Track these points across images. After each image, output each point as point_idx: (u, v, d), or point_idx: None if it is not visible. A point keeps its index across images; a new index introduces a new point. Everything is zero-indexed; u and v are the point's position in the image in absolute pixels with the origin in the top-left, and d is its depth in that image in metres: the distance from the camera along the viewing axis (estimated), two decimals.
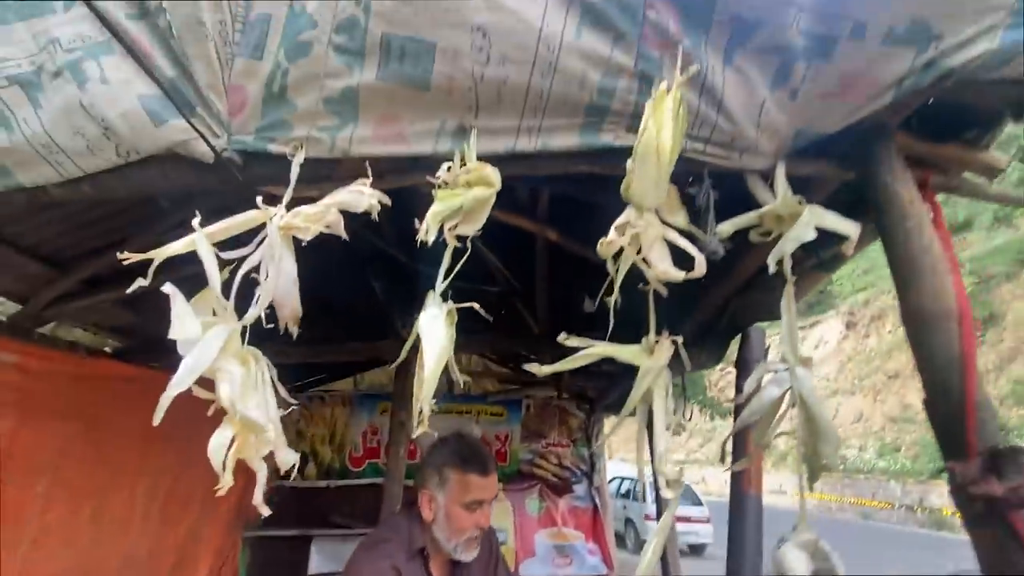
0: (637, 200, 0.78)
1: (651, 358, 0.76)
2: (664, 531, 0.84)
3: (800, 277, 1.58)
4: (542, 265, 2.05)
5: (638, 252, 0.81)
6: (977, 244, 15.94)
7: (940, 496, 13.30)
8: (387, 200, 0.85)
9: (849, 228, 0.83)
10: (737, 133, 0.88)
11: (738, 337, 1.90)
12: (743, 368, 1.80)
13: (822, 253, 1.31)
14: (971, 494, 0.69)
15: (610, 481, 11.60)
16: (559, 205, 1.72)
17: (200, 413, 0.73)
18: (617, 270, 0.79)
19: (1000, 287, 15.16)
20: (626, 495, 10.10)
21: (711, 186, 0.88)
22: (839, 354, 21.70)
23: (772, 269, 0.84)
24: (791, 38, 0.81)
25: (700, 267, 0.74)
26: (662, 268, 0.73)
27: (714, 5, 0.81)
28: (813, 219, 0.83)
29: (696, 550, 8.98)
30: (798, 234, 0.83)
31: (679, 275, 0.73)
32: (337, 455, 3.75)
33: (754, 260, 1.40)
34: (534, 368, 0.86)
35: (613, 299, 0.80)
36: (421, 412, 0.75)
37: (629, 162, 0.78)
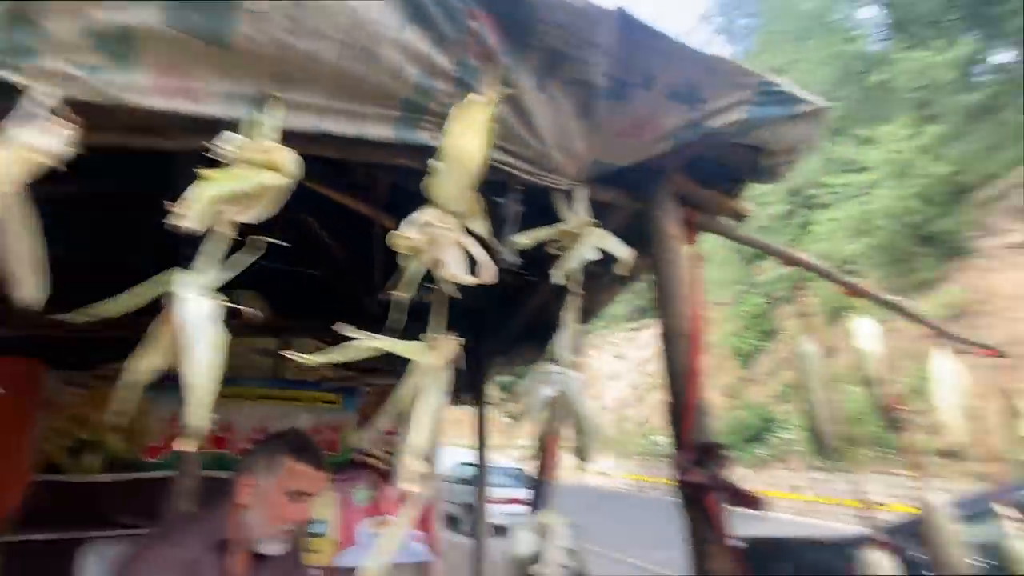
0: (441, 201, 0.80)
1: (430, 355, 0.79)
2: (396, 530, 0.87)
3: (600, 288, 1.79)
4: (379, 250, 2.00)
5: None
6: (768, 271, 19.62)
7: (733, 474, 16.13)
8: (73, 150, 0.71)
9: (624, 253, 0.95)
10: (545, 153, 0.95)
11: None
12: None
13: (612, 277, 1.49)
14: (682, 481, 0.84)
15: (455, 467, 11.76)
16: (399, 192, 1.69)
17: None
18: (407, 267, 0.80)
19: (781, 307, 18.80)
20: (467, 481, 10.38)
21: (518, 200, 0.94)
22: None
23: (559, 281, 0.93)
24: (595, 76, 0.90)
25: (489, 274, 0.79)
26: (453, 271, 0.76)
27: (533, 31, 0.87)
28: (596, 241, 0.94)
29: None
30: (581, 252, 0.93)
31: (470, 280, 0.77)
32: (129, 445, 3.23)
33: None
34: (293, 356, 0.83)
35: (409, 294, 0.81)
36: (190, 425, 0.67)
37: (435, 163, 0.79)
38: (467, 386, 2.91)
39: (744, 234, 1.20)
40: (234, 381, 3.51)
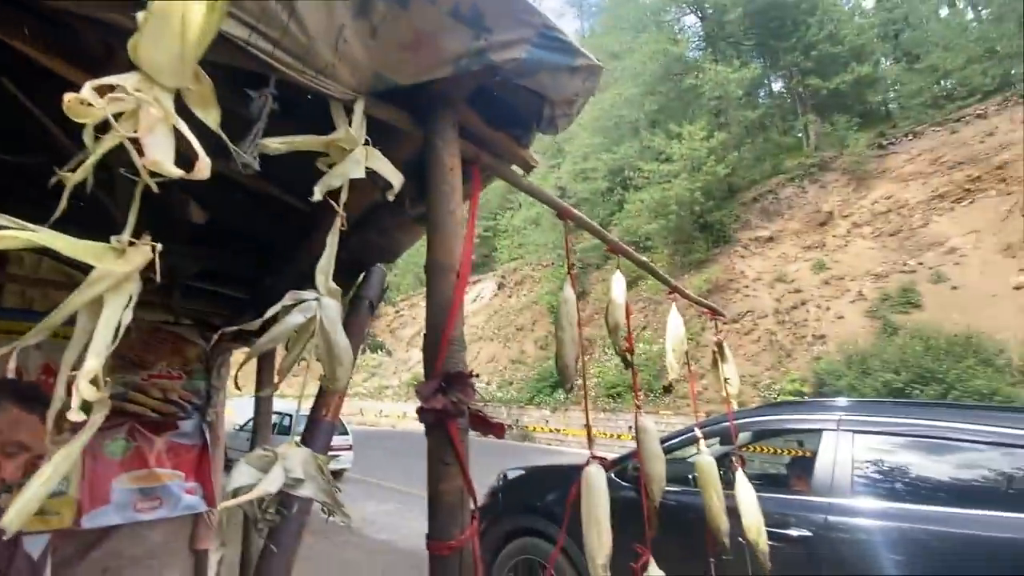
0: (147, 67, 0.63)
1: (117, 261, 0.65)
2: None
3: (401, 228, 1.74)
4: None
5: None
6: (585, 239, 21.87)
7: (529, 417, 18.05)
8: None
9: (394, 178, 0.90)
10: (312, 49, 0.83)
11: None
12: (356, 305, 1.86)
13: (411, 210, 1.45)
14: (423, 407, 0.86)
15: (251, 419, 10.96)
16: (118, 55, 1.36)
17: None
18: (90, 145, 0.63)
19: (592, 272, 21.22)
20: (273, 429, 9.78)
21: (271, 96, 0.81)
22: (489, 308, 26.36)
23: (317, 197, 0.84)
24: None
25: (202, 170, 0.66)
26: (156, 157, 0.62)
27: None
28: (365, 159, 0.87)
29: (336, 475, 9.51)
30: (346, 170, 0.85)
31: (175, 171, 0.64)
32: None
33: (359, 201, 1.44)
34: None
35: (85, 177, 0.64)
36: None
37: (141, 15, 0.62)
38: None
39: (527, 185, 1.25)
40: None
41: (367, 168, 0.89)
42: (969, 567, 2.00)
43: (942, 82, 18.99)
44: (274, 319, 0.87)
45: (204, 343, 3.40)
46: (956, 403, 8.89)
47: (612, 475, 3.03)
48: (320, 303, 0.85)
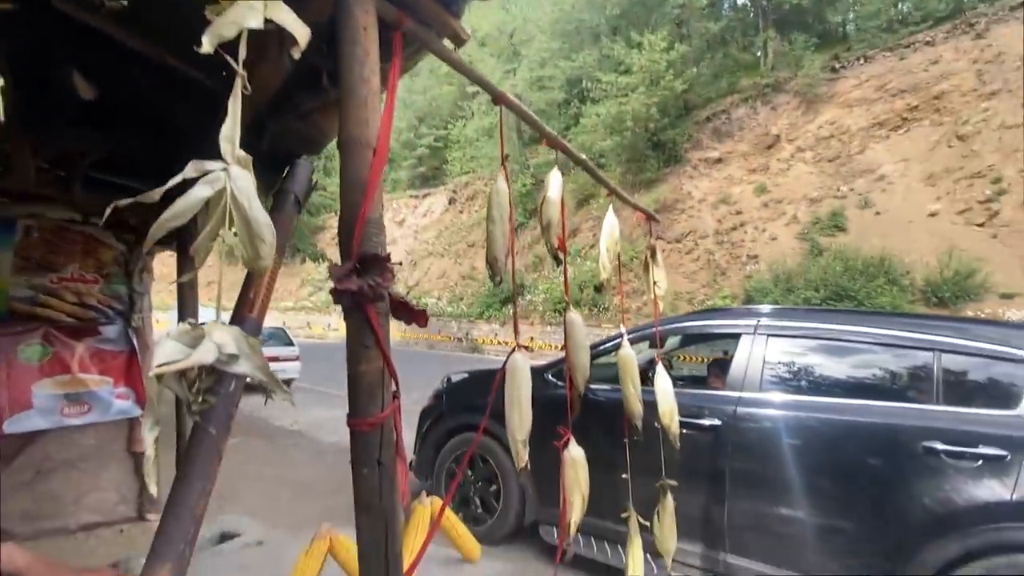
0: None
1: None
2: None
3: (324, 113, 1.60)
4: None
5: None
6: (541, 155, 21.35)
7: (478, 331, 18.56)
8: None
9: (300, 32, 0.80)
10: None
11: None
12: (280, 199, 1.74)
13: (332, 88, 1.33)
14: (336, 289, 0.83)
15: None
16: None
17: None
18: None
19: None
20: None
21: None
22: (440, 224, 25.87)
23: (205, 48, 0.73)
24: None
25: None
26: None
27: None
28: (264, 9, 0.75)
29: (285, 383, 9.63)
30: (239, 17, 0.74)
31: None
32: None
33: (271, 77, 1.30)
34: None
35: None
36: None
37: None
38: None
39: (457, 60, 1.15)
40: None
41: (267, 20, 0.77)
42: (851, 448, 2.32)
43: (899, 5, 18.91)
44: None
45: (123, 246, 3.15)
46: (855, 310, 9.91)
47: (549, 375, 3.20)
48: (229, 173, 0.78)
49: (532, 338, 16.92)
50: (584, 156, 1.53)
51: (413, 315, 0.96)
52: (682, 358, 9.11)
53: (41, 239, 2.90)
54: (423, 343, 19.70)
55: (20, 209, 2.78)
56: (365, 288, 0.84)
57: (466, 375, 3.90)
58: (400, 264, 0.96)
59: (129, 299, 3.18)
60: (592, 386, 2.90)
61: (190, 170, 0.80)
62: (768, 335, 2.76)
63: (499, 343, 17.40)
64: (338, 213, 0.91)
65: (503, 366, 1.17)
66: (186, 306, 2.14)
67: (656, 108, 17.83)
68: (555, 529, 3.02)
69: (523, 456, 1.11)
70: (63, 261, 2.96)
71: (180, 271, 2.12)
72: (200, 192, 0.79)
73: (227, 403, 1.28)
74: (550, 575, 2.78)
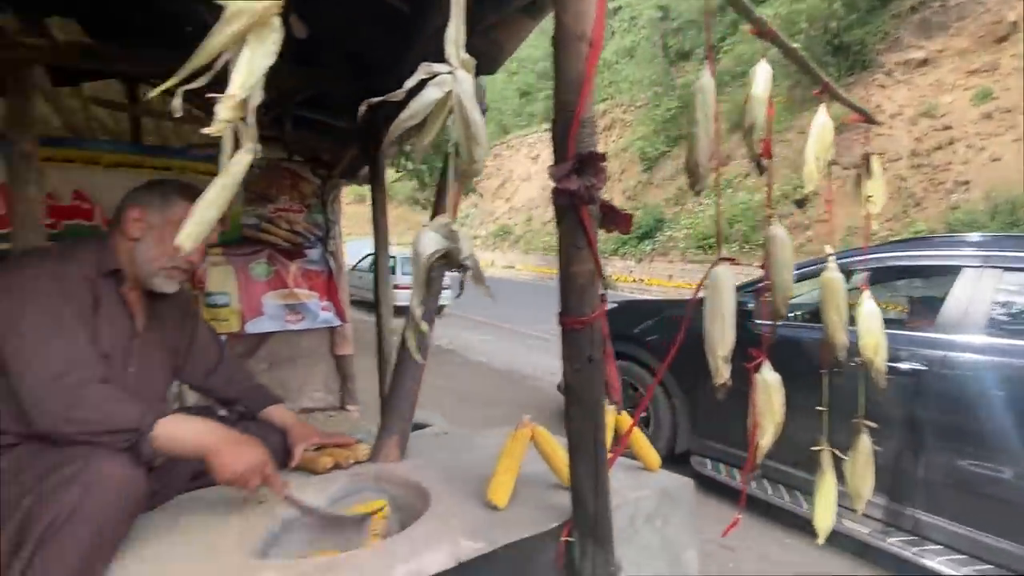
0: None
1: None
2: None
3: (504, 27, 1.57)
4: None
5: None
6: (691, 72, 19.21)
7: (612, 267, 18.27)
8: None
9: None
10: None
11: None
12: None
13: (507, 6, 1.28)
14: (558, 189, 0.84)
15: (364, 258, 12.18)
16: None
17: None
18: None
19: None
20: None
21: None
22: None
23: None
24: None
25: None
26: None
27: None
28: None
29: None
30: None
31: None
32: None
33: None
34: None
35: None
36: None
37: None
38: (362, 154, 2.66)
39: None
40: (79, 143, 2.97)
41: None
42: None
43: None
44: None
45: (318, 180, 3.62)
46: None
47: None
48: (455, 76, 0.80)
49: (671, 276, 16.17)
50: (795, 47, 1.31)
51: (619, 220, 0.94)
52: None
53: (261, 175, 3.45)
54: (553, 279, 20.03)
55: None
56: (582, 189, 0.84)
57: (615, 305, 3.88)
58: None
59: (326, 226, 3.69)
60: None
61: (421, 72, 0.84)
62: (1004, 268, 2.24)
63: (634, 280, 16.95)
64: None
65: (702, 281, 1.11)
66: (379, 230, 2.39)
67: (841, 2, 14.68)
68: (708, 461, 2.97)
69: (724, 372, 1.07)
70: (276, 194, 3.51)
71: (375, 201, 2.35)
72: (431, 94, 0.83)
73: (434, 299, 1.43)
74: (710, 504, 2.77)
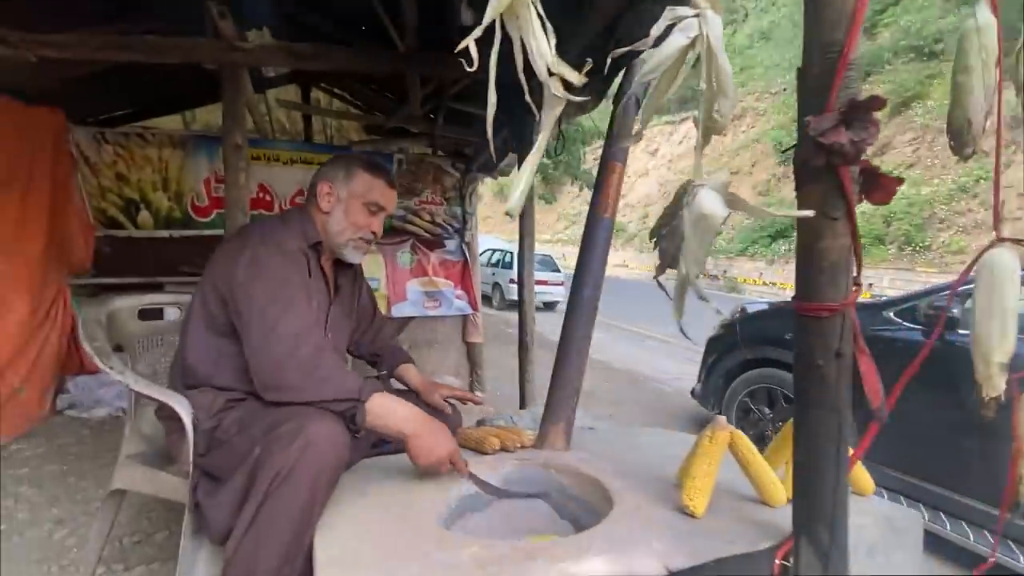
0: None
1: None
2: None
3: None
4: None
5: None
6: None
7: (739, 268, 16.86)
8: None
9: None
10: None
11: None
12: (623, 102, 1.71)
13: None
14: (819, 144, 0.70)
15: (482, 252, 12.58)
16: None
17: None
18: None
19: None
20: (496, 264, 11.13)
21: None
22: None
23: None
24: None
25: None
26: None
27: None
28: None
29: (549, 306, 10.63)
30: None
31: None
32: (176, 204, 3.31)
33: None
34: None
35: None
36: None
37: None
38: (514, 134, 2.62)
39: None
40: (263, 142, 3.38)
41: None
42: None
43: None
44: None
45: (457, 173, 3.76)
46: None
47: (891, 313, 2.58)
48: (704, 18, 0.71)
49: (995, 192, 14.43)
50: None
51: (884, 185, 0.76)
52: None
53: (408, 169, 3.67)
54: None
55: (394, 144, 3.55)
56: (848, 144, 0.69)
57: (765, 307, 3.51)
58: None
59: (463, 218, 3.82)
60: (961, 332, 2.23)
61: (665, 18, 0.75)
62: None
63: (763, 283, 15.45)
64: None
65: (971, 265, 0.88)
66: (525, 219, 2.37)
67: None
68: (883, 492, 2.53)
69: (999, 383, 0.84)
70: (421, 187, 3.70)
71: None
72: (676, 41, 0.74)
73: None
74: None
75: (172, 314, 1.71)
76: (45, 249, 2.77)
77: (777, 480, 1.03)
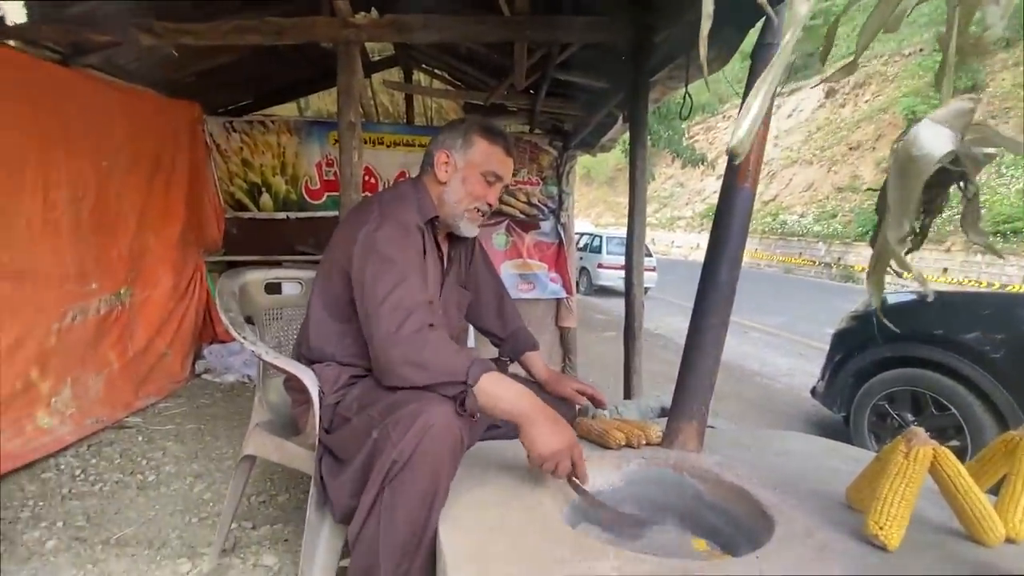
0: None
1: None
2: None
3: None
4: None
5: None
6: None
7: (856, 256, 15.08)
8: None
9: None
10: None
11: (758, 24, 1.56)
12: (760, 56, 1.47)
13: None
14: None
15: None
16: None
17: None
18: None
19: (996, 54, 14.27)
20: (583, 248, 10.88)
21: None
22: (809, 124, 21.43)
23: None
24: None
25: None
26: None
27: None
28: None
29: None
30: None
31: None
32: (292, 187, 3.53)
33: None
34: None
35: None
36: None
37: None
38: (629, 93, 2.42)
39: None
40: (368, 125, 3.47)
41: None
42: None
43: None
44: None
45: (555, 151, 3.63)
46: None
47: None
48: None
49: (945, 269, 12.60)
50: None
51: None
52: None
53: None
54: (777, 266, 17.48)
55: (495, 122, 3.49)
56: None
57: (912, 296, 3.02)
58: None
59: (559, 199, 3.70)
60: None
61: None
62: None
63: (889, 272, 13.64)
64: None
65: None
66: (635, 190, 2.20)
67: None
68: None
69: None
70: (518, 167, 3.63)
71: (634, 158, 2.16)
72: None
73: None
74: None
75: (288, 289, 1.78)
76: (185, 230, 3.07)
77: (994, 513, 0.81)
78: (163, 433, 2.43)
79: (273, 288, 1.59)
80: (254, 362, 3.24)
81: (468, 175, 1.16)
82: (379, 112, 3.58)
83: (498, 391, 0.94)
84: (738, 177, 1.37)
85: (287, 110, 3.67)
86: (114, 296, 2.56)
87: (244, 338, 1.18)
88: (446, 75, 3.67)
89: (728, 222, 1.32)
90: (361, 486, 0.91)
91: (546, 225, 3.73)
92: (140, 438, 2.36)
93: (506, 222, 3.66)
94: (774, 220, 18.96)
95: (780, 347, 6.38)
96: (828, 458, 1.19)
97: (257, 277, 1.47)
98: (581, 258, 10.58)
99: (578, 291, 9.91)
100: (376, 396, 1.01)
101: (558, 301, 3.82)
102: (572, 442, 0.94)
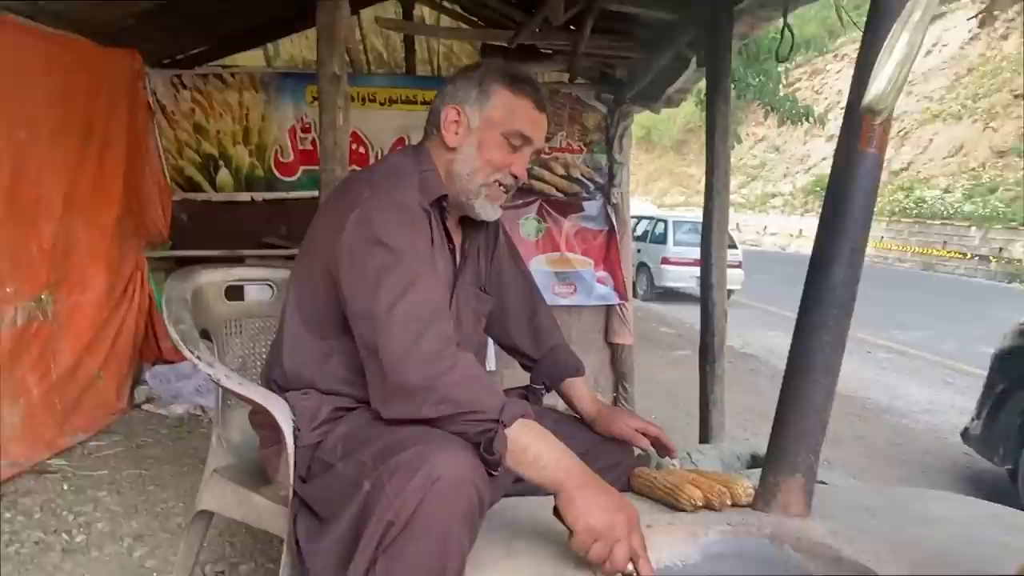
0: None
1: None
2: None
3: None
4: None
5: None
6: None
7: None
8: None
9: None
10: None
11: None
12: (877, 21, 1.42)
13: None
14: None
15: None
16: None
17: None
18: None
19: None
20: (641, 237, 10.80)
21: None
22: (957, 64, 20.85)
23: None
24: None
25: None
26: None
27: None
28: None
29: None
30: None
31: None
32: (258, 160, 3.63)
33: None
34: None
35: None
36: None
37: None
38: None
39: None
40: (357, 78, 3.54)
41: None
42: None
43: None
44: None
45: (603, 107, 3.62)
46: None
47: None
48: None
49: None
50: None
51: None
52: None
53: None
54: (913, 260, 17.04)
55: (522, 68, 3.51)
56: None
57: None
58: None
59: (609, 171, 3.69)
60: None
61: None
62: None
63: None
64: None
65: None
66: (714, 155, 2.18)
67: None
68: None
69: None
70: (553, 129, 3.64)
71: (713, 114, 2.15)
72: None
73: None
74: None
75: (254, 293, 1.81)
76: (122, 216, 3.19)
77: None
78: (94, 480, 2.52)
79: (235, 293, 1.63)
80: (210, 389, 3.33)
81: (486, 138, 1.15)
82: (370, 60, 3.64)
83: (535, 444, 0.94)
84: (860, 138, 1.34)
85: (252, 59, 3.77)
86: (33, 303, 2.68)
87: (198, 357, 1.22)
88: (458, 8, 3.70)
89: (845, 200, 1.30)
90: (349, 554, 0.93)
91: (591, 206, 3.72)
92: (66, 486, 2.45)
93: (538, 203, 3.67)
94: (907, 197, 18.55)
95: (917, 373, 6.33)
96: (988, 528, 1.16)
97: (214, 278, 1.51)
98: (639, 251, 10.52)
99: (635, 295, 9.86)
100: (368, 435, 1.02)
101: (608, 309, 3.81)
102: (633, 520, 0.93)
